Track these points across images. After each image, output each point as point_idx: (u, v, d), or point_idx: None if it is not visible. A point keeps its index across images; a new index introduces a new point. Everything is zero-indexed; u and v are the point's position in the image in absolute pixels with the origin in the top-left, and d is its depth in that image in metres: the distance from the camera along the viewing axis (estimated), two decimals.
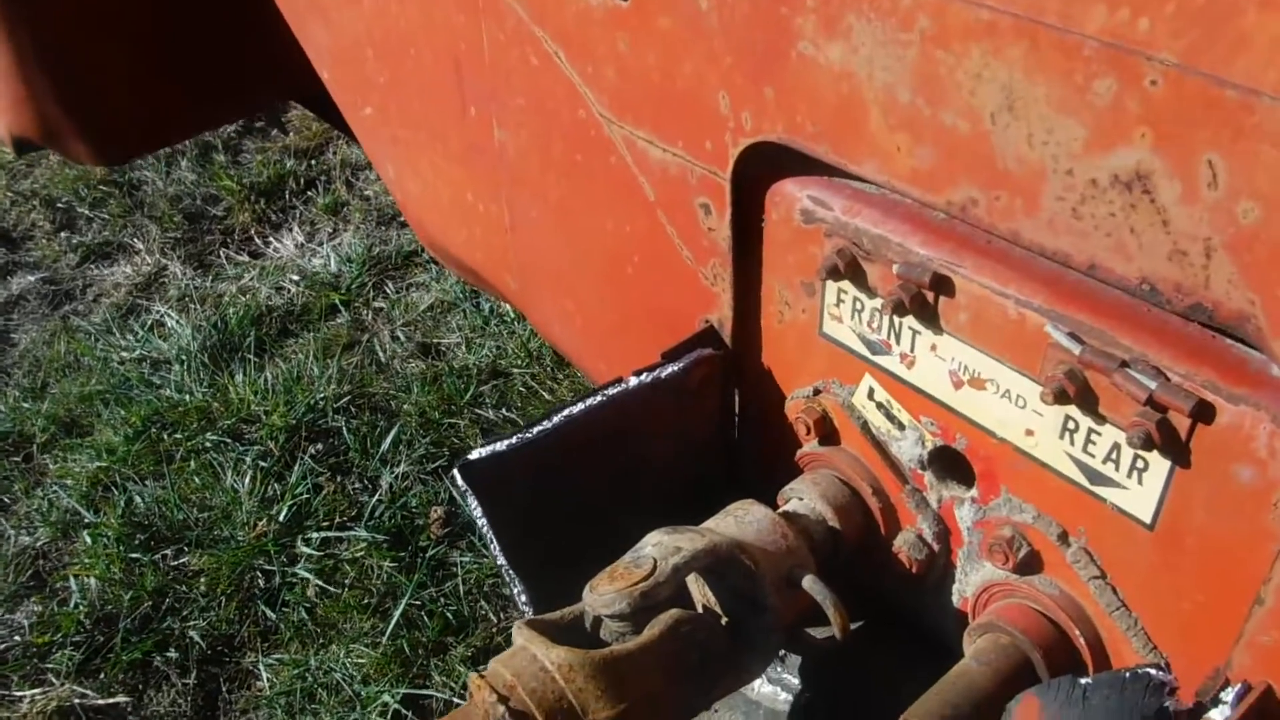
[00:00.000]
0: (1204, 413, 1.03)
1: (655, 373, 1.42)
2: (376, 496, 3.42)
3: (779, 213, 1.34)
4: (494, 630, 3.06)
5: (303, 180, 5.14)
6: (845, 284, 1.31)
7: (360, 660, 3.03)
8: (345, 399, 3.83)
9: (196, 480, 3.59)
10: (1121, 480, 1.14)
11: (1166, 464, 1.09)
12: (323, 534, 3.33)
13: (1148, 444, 1.06)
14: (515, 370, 3.92)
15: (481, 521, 1.35)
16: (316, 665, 2.99)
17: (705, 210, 1.40)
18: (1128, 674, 1.09)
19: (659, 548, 1.24)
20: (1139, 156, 0.95)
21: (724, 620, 1.28)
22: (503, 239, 1.76)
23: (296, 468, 3.52)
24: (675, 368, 1.43)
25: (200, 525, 3.44)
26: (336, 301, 4.36)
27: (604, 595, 1.19)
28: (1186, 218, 0.95)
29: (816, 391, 1.43)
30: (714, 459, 1.55)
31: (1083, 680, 1.12)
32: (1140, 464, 1.11)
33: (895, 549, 1.40)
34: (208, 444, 3.70)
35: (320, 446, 3.65)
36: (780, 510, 1.42)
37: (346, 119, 2.02)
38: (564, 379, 3.84)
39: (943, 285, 1.19)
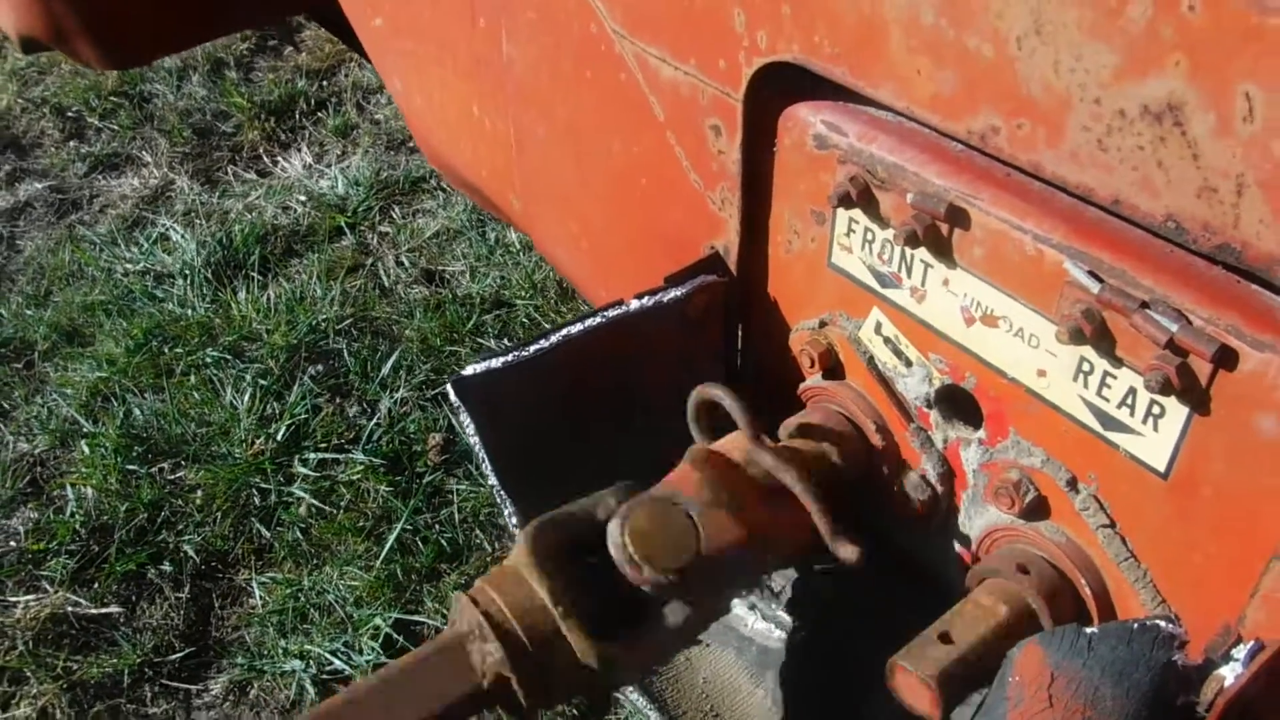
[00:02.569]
0: (1226, 358, 0.98)
1: (657, 297, 1.38)
2: (375, 420, 3.40)
3: (791, 137, 1.28)
4: (488, 559, 3.05)
5: (314, 101, 5.09)
6: (857, 213, 1.25)
7: (353, 583, 3.02)
8: (347, 321, 3.81)
9: (196, 395, 3.55)
10: (1136, 426, 1.10)
11: (1184, 411, 1.05)
12: (320, 455, 3.31)
13: (1166, 389, 1.01)
14: (519, 301, 3.88)
15: (474, 440, 1.32)
16: (310, 585, 2.97)
17: (716, 132, 1.35)
18: (1135, 625, 1.06)
19: (704, 520, 1.21)
20: (1171, 86, 0.90)
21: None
22: (508, 157, 1.71)
23: (296, 388, 3.51)
24: (677, 293, 1.38)
25: (198, 440, 3.41)
26: (342, 224, 4.30)
27: (635, 572, 1.17)
28: (1218, 152, 0.90)
29: (822, 324, 1.39)
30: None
31: (1088, 630, 1.08)
32: (1156, 410, 1.07)
33: (898, 489, 1.36)
34: (208, 360, 3.66)
35: (320, 368, 3.63)
36: (781, 444, 1.38)
37: (356, 31, 1.95)
38: (568, 313, 3.81)
39: (958, 217, 1.14)
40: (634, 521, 1.20)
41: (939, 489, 1.34)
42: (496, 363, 1.32)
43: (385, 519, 3.11)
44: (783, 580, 1.47)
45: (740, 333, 1.52)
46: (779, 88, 1.26)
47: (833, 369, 1.39)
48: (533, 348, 1.33)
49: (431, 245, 4.19)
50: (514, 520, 1.41)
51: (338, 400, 3.51)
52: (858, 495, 1.41)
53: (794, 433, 1.39)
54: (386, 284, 3.99)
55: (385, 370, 3.56)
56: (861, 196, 1.22)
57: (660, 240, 1.51)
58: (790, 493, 1.25)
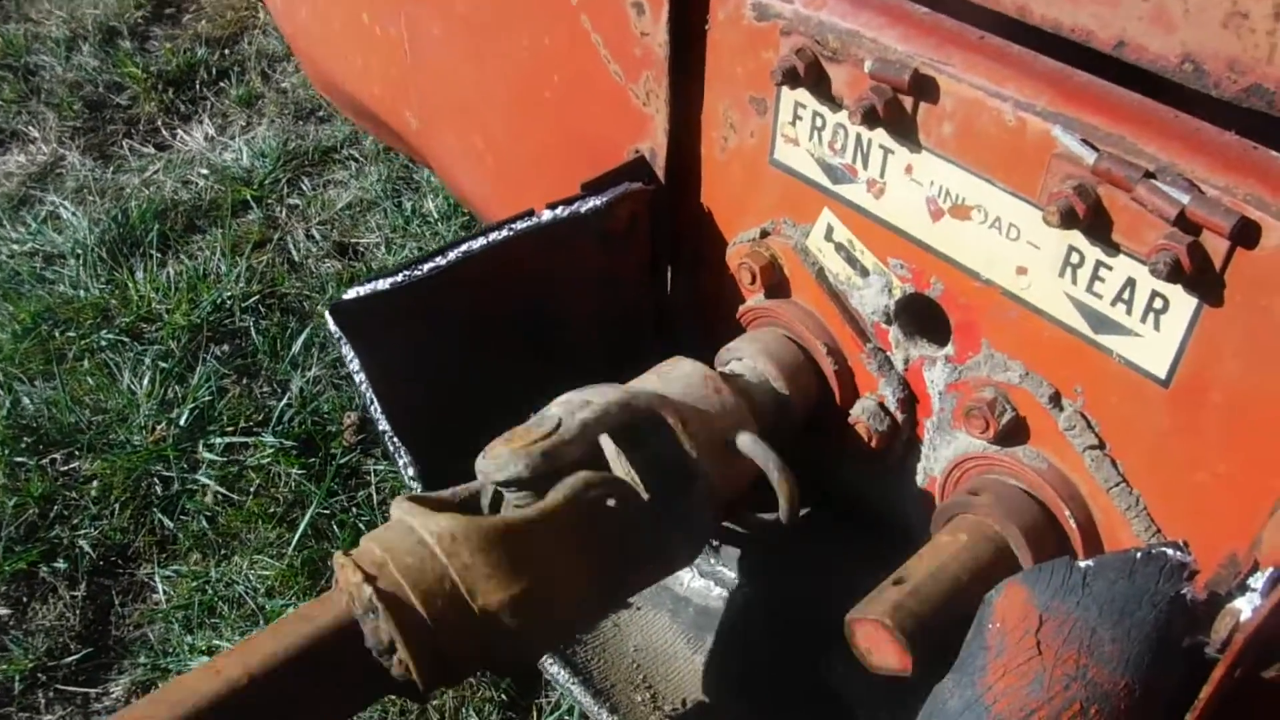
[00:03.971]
0: (1246, 234, 0.83)
1: (573, 207, 1.19)
2: (285, 401, 3.20)
3: (726, 9, 1.11)
4: None
5: (215, 70, 4.83)
6: (804, 95, 1.08)
7: (265, 572, 2.80)
8: (254, 298, 3.58)
9: (90, 381, 3.27)
10: (1133, 326, 0.94)
11: (1192, 302, 0.89)
12: (227, 439, 3.10)
13: (1175, 274, 0.85)
14: None
15: (359, 376, 1.13)
16: (217, 577, 2.77)
17: (638, 10, 1.16)
18: (1139, 554, 0.90)
19: (565, 405, 1.02)
20: None
21: (646, 495, 1.06)
22: (402, 68, 1.51)
23: (200, 369, 3.29)
24: (597, 203, 1.20)
25: (94, 429, 3.16)
26: (248, 197, 4.07)
27: (498, 458, 0.97)
28: None
29: (764, 234, 1.21)
30: (641, 317, 1.33)
31: (1082, 564, 0.92)
32: (1158, 304, 0.91)
33: (853, 419, 1.19)
34: (103, 343, 3.39)
35: (226, 348, 3.42)
36: (727, 370, 1.20)
37: None
38: None
39: (925, 88, 0.98)
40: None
41: (900, 416, 1.17)
42: (384, 284, 1.12)
43: (298, 503, 2.91)
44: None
45: (671, 248, 1.34)
46: None
47: (777, 285, 1.22)
48: (426, 266, 1.14)
49: (344, 217, 3.99)
50: (410, 471, 1.22)
51: (245, 381, 3.28)
52: (805, 430, 1.24)
53: (729, 360, 1.21)
54: (296, 258, 3.76)
55: (296, 348, 3.33)
56: (810, 73, 1.05)
57: (576, 148, 1.33)
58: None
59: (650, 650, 1.27)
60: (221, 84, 4.82)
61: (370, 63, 1.57)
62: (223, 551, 2.90)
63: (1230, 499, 0.94)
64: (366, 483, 3.03)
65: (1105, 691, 0.90)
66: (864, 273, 1.14)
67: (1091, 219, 0.91)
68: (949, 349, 1.10)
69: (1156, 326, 0.93)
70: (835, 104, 1.06)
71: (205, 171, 4.30)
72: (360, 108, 1.70)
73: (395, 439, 1.18)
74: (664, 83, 1.18)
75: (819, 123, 1.09)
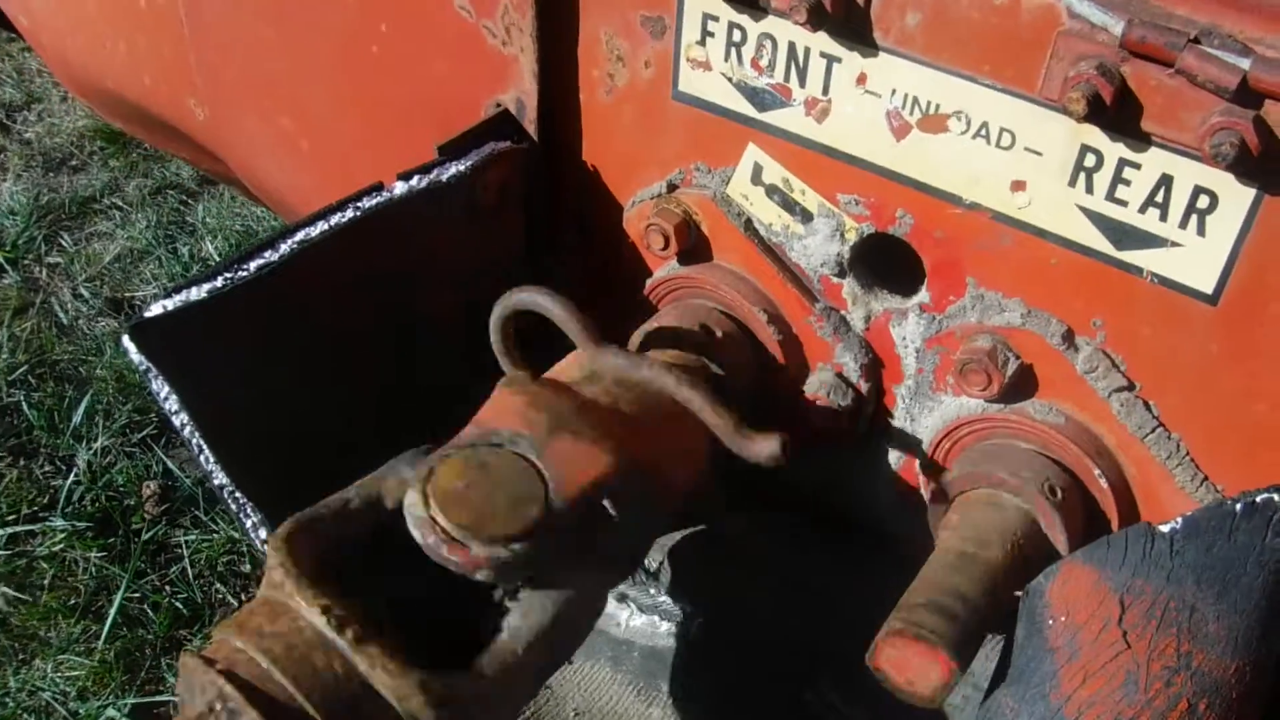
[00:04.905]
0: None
1: (431, 175, 0.95)
2: (73, 478, 3.05)
3: None
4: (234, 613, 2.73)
5: None
6: (716, 1, 0.87)
7: (74, 673, 2.58)
8: (22, 370, 3.40)
9: None
10: (1169, 234, 0.78)
11: (1249, 194, 0.74)
12: (9, 529, 2.92)
13: (1242, 158, 0.68)
14: None
15: (178, 417, 0.85)
16: (18, 686, 2.56)
17: None
18: (1238, 506, 0.73)
19: (548, 456, 0.79)
20: None
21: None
22: (179, 48, 1.22)
23: None
24: (460, 168, 0.96)
25: None
26: (1, 261, 3.85)
27: (458, 555, 0.74)
28: None
29: (672, 187, 1.01)
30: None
31: (1164, 527, 0.74)
32: (1203, 202, 0.75)
33: (807, 397, 0.99)
34: None
35: None
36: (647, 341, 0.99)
37: None
38: None
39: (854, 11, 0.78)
40: (440, 481, 0.77)
41: (864, 386, 0.97)
42: (198, 292, 0.85)
43: (102, 590, 2.77)
44: (660, 555, 1.07)
45: (550, 218, 1.11)
46: None
47: (694, 249, 1.01)
48: (253, 263, 0.88)
49: (114, 270, 3.89)
50: (260, 534, 0.95)
51: (22, 462, 3.13)
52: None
53: (649, 342, 0.99)
54: (65, 321, 3.62)
55: (77, 418, 3.20)
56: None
57: (418, 111, 1.08)
58: (664, 411, 0.86)
59: (594, 712, 1.03)
60: None
61: (138, 47, 1.28)
62: (20, 657, 2.67)
63: None
64: (178, 556, 2.86)
65: (1216, 681, 0.73)
66: (806, 217, 0.94)
67: (1118, 106, 0.73)
68: (923, 296, 0.91)
69: (1201, 231, 0.76)
70: (759, 8, 0.85)
71: None
72: (129, 106, 1.41)
73: (237, 494, 0.92)
74: (528, 13, 0.95)
75: (737, 37, 0.88)
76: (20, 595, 2.73)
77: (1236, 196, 0.74)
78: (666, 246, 1.01)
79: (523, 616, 0.80)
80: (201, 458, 0.90)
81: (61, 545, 2.83)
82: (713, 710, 1.04)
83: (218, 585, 2.74)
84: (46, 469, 3.10)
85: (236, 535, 2.93)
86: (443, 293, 1.03)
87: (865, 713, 0.92)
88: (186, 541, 2.83)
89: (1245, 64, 0.68)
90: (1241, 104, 0.70)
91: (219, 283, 0.86)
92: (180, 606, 2.63)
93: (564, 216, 1.10)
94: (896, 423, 1.00)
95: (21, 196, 4.19)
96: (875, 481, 1.04)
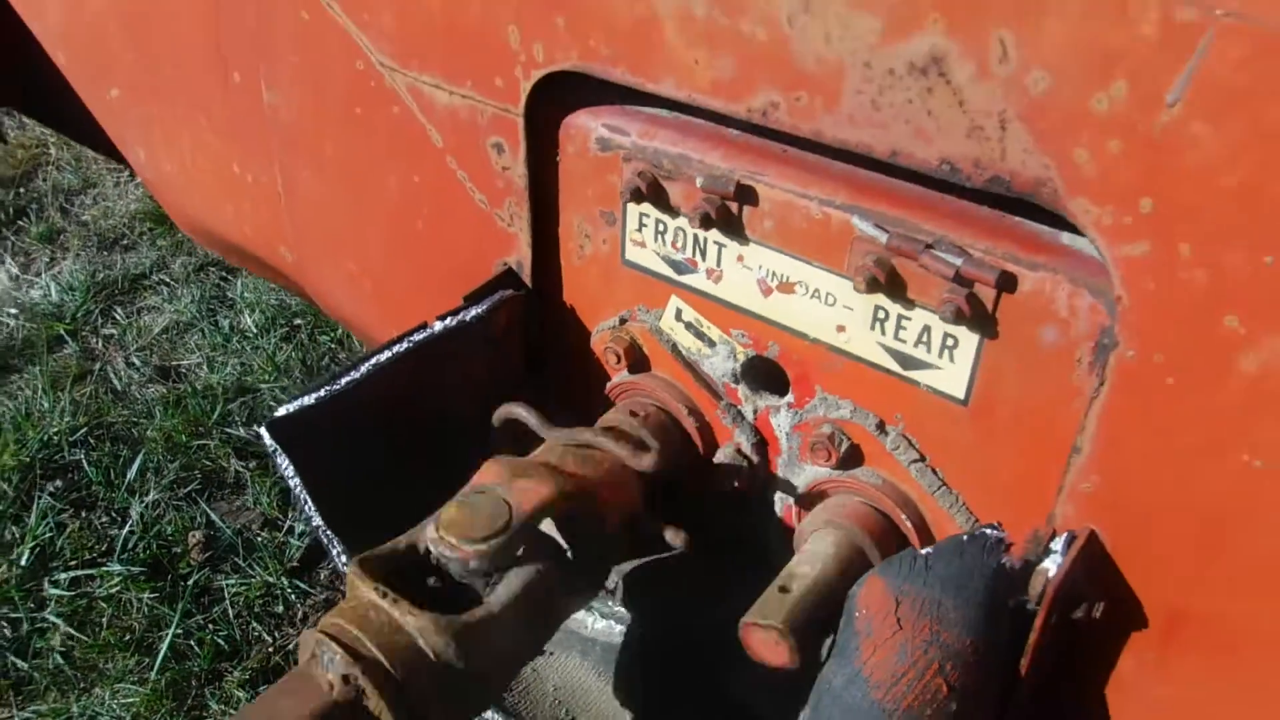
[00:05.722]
0: (1007, 282, 1.10)
1: (460, 316, 1.39)
2: (127, 528, 3.28)
3: (575, 145, 1.34)
4: (270, 650, 3.01)
5: (12, 210, 4.90)
6: (647, 207, 1.32)
7: (129, 700, 2.83)
8: (82, 431, 3.65)
9: None
10: (933, 361, 1.21)
11: (975, 338, 1.16)
12: (72, 573, 3.15)
13: (958, 318, 1.12)
14: (263, 385, 3.85)
15: (294, 481, 1.29)
16: (80, 712, 2.78)
17: (498, 150, 1.38)
18: (966, 537, 1.16)
19: (512, 492, 1.22)
20: (933, 41, 1.01)
21: (571, 554, 1.28)
22: (275, 209, 1.67)
23: (35, 507, 3.35)
24: (479, 310, 1.40)
25: None
26: (62, 332, 4.12)
27: (456, 553, 1.17)
28: (981, 95, 1.01)
29: (623, 321, 1.45)
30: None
31: (923, 551, 1.18)
32: (950, 342, 1.18)
33: (714, 467, 1.43)
34: None
35: (60, 483, 3.47)
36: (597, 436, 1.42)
37: (90, 107, 1.86)
38: None
39: (746, 195, 1.23)
40: (444, 516, 1.21)
41: (755, 459, 1.41)
42: (309, 400, 1.30)
43: (154, 627, 3.00)
44: (616, 577, 1.51)
45: (541, 343, 1.55)
46: (558, 98, 1.32)
47: (638, 362, 1.45)
48: (344, 380, 1.32)
49: (162, 341, 4.11)
50: (342, 560, 1.38)
51: (84, 514, 3.36)
52: (678, 484, 1.47)
53: (607, 420, 1.43)
54: (119, 387, 3.86)
55: (131, 475, 3.44)
56: (651, 189, 1.29)
57: (450, 267, 1.53)
58: (595, 458, 1.30)
59: (567, 688, 1.46)
60: (20, 222, 4.95)
61: (243, 208, 1.73)
62: (81, 685, 2.90)
63: (1026, 489, 1.21)
64: (220, 598, 3.11)
65: (956, 650, 1.15)
66: (711, 344, 1.38)
67: (890, 283, 1.17)
68: (789, 398, 1.35)
69: (951, 359, 1.20)
70: (674, 212, 1.30)
71: (14, 311, 4.35)
72: (231, 246, 1.84)
73: (328, 532, 1.35)
74: (525, 207, 1.40)
75: (661, 228, 1.33)
76: (81, 633, 2.96)
77: (969, 340, 1.17)
78: (619, 362, 1.45)
79: (502, 586, 1.22)
80: (307, 507, 1.34)
81: (118, 587, 3.07)
82: (653, 689, 1.46)
83: (254, 624, 2.97)
84: (104, 520, 3.30)
85: (271, 579, 3.08)
86: (470, 398, 1.47)
87: (765, 688, 1.34)
88: (227, 585, 3.08)
89: (958, 262, 1.12)
90: (960, 284, 1.14)
91: (322, 394, 1.30)
92: (222, 643, 2.89)
93: (551, 341, 1.54)
94: (779, 484, 1.44)
95: (80, 274, 4.41)
96: (767, 522, 1.47)
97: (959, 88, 1.02)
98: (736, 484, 1.42)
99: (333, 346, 4.04)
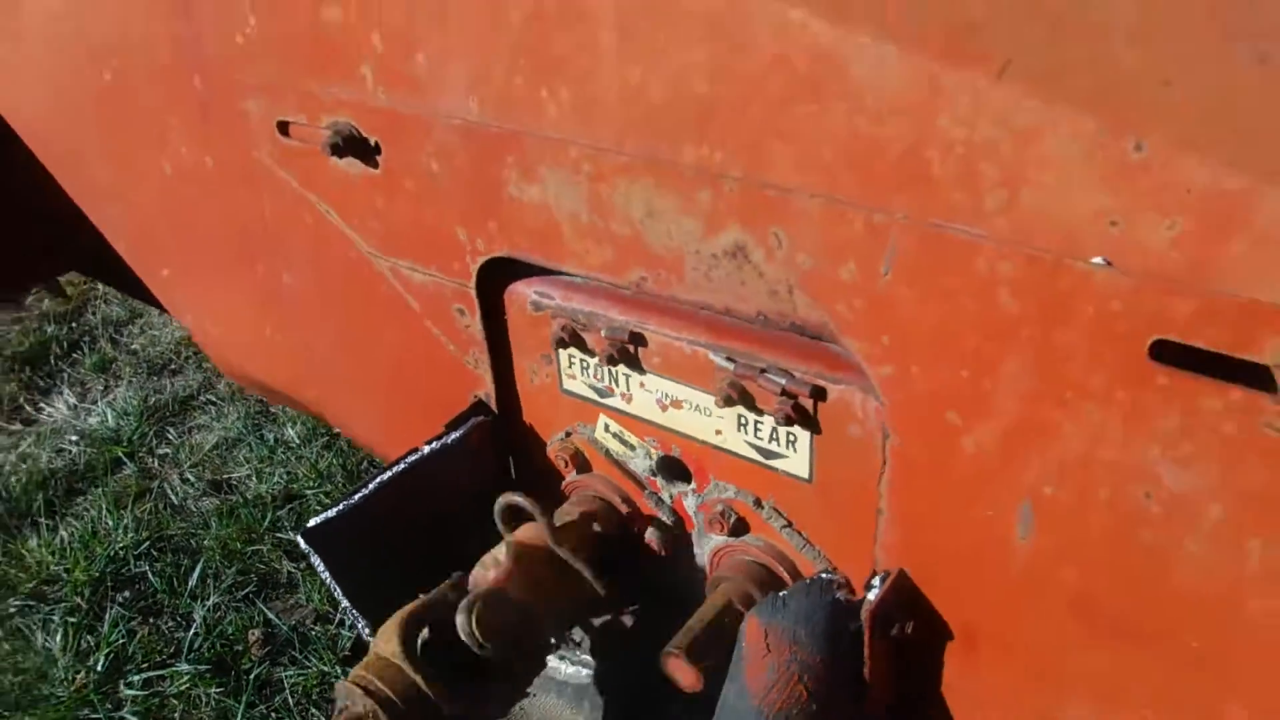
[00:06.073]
0: (820, 393, 1.53)
1: (443, 440, 1.84)
2: (192, 630, 3.60)
3: (516, 307, 1.79)
4: None
5: (66, 344, 5.24)
6: (573, 350, 1.77)
7: None
8: (145, 544, 3.97)
9: (6, 646, 3.61)
10: (784, 452, 1.64)
11: (808, 434, 1.59)
12: (144, 675, 3.46)
13: (789, 421, 1.55)
14: (309, 491, 4.17)
15: (325, 575, 1.73)
16: None
17: (461, 313, 1.84)
18: (810, 581, 1.58)
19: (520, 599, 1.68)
20: (735, 236, 1.46)
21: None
22: (301, 361, 2.14)
23: (107, 617, 3.66)
24: (457, 434, 1.85)
25: (17, 688, 3.45)
26: (120, 455, 4.47)
27: (490, 650, 1.61)
28: (772, 270, 1.46)
29: (568, 434, 1.89)
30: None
31: (781, 593, 1.60)
32: (792, 438, 1.61)
33: (646, 540, 1.86)
34: (11, 610, 3.73)
35: (128, 593, 3.80)
36: (562, 522, 1.86)
37: (145, 282, 2.35)
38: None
39: (639, 339, 1.67)
40: (478, 613, 1.64)
41: (675, 533, 1.84)
42: (332, 512, 1.75)
43: (221, 719, 3.31)
44: (581, 634, 1.93)
45: (511, 454, 2.00)
46: (500, 274, 1.78)
47: (582, 465, 1.89)
48: (357, 496, 1.77)
49: (214, 457, 4.42)
50: (366, 631, 1.82)
51: (151, 620, 3.66)
52: (625, 554, 1.90)
53: (565, 516, 1.87)
54: (176, 501, 4.18)
55: (192, 582, 3.77)
56: (573, 338, 1.73)
57: (436, 400, 1.98)
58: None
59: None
60: (75, 355, 5.24)
61: (275, 361, 2.20)
62: None
63: (859, 542, 1.63)
64: (280, 689, 3.48)
65: (809, 665, 1.56)
66: (632, 448, 1.82)
67: (742, 398, 1.61)
68: (693, 485, 1.79)
69: (795, 450, 1.62)
70: (591, 353, 1.75)
71: (75, 438, 4.68)
72: (269, 389, 2.32)
73: (353, 610, 1.79)
74: (485, 354, 1.85)
75: (584, 365, 1.78)
76: None
77: (804, 436, 1.60)
78: (568, 465, 1.89)
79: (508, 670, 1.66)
80: (336, 592, 1.78)
81: (187, 685, 3.37)
82: (612, 715, 1.89)
83: (313, 709, 3.28)
84: (170, 624, 3.61)
85: (326, 669, 3.40)
86: (457, 500, 1.91)
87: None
88: (286, 676, 3.38)
89: (783, 381, 1.56)
90: (787, 397, 1.57)
91: (341, 507, 1.75)
92: None
93: (518, 452, 1.99)
94: (694, 550, 1.86)
95: (133, 399, 4.77)
96: (693, 580, 1.89)
97: (757, 265, 1.46)
98: (662, 552, 1.85)
99: (369, 452, 4.44)
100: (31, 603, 3.77)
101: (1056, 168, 1.19)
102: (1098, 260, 1.19)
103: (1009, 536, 1.41)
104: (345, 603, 1.78)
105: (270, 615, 3.65)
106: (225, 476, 4.37)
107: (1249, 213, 1.11)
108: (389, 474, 1.80)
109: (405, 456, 1.83)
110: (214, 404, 4.77)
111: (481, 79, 1.56)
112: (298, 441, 4.47)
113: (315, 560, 1.74)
